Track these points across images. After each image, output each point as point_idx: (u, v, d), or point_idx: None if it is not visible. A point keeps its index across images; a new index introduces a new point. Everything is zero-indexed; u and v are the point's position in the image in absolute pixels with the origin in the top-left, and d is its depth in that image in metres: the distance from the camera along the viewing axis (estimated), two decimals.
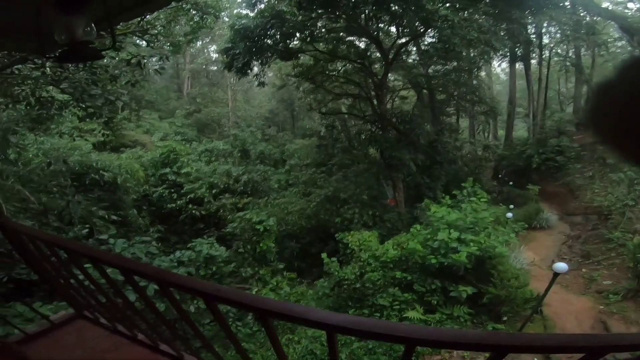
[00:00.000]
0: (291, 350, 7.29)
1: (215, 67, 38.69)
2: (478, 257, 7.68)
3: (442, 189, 16.06)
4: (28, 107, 6.35)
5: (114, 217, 9.49)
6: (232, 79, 31.87)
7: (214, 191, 15.21)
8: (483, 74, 21.49)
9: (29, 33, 2.35)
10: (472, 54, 14.53)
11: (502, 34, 14.33)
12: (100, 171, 9.70)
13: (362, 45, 18.49)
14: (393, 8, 12.26)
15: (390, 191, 17.39)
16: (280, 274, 10.94)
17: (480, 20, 13.59)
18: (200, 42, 27.32)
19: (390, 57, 16.25)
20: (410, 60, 19.44)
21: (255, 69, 15.98)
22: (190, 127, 25.51)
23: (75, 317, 2.59)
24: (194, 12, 14.98)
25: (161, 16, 10.61)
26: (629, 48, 17.83)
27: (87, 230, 7.88)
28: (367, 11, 12.11)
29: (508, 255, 8.55)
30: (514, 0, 13.40)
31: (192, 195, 14.60)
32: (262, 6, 15.10)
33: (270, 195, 16.67)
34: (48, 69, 5.60)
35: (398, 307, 7.71)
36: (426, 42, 17.52)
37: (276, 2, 13.54)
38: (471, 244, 7.55)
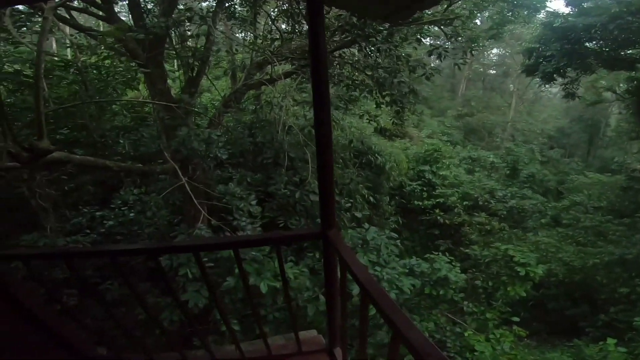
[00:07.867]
0: None
1: (494, 71, 36.01)
2: None
3: None
4: (345, 88, 7.51)
5: (371, 199, 10.23)
6: (516, 87, 27.96)
7: (464, 203, 13.86)
8: None
9: None
10: None
11: None
12: (376, 154, 10.72)
13: None
14: None
15: None
16: (508, 325, 8.43)
17: None
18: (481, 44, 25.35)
19: None
20: None
21: (565, 78, 12.90)
22: (458, 129, 24.33)
23: None
24: (502, 4, 13.22)
25: (464, 5, 9.78)
26: None
27: (349, 204, 8.66)
28: None
29: None
30: None
31: (441, 200, 13.89)
32: (590, 4, 12.12)
33: (531, 230, 13.53)
34: (369, 57, 6.17)
35: None
36: None
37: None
38: None
